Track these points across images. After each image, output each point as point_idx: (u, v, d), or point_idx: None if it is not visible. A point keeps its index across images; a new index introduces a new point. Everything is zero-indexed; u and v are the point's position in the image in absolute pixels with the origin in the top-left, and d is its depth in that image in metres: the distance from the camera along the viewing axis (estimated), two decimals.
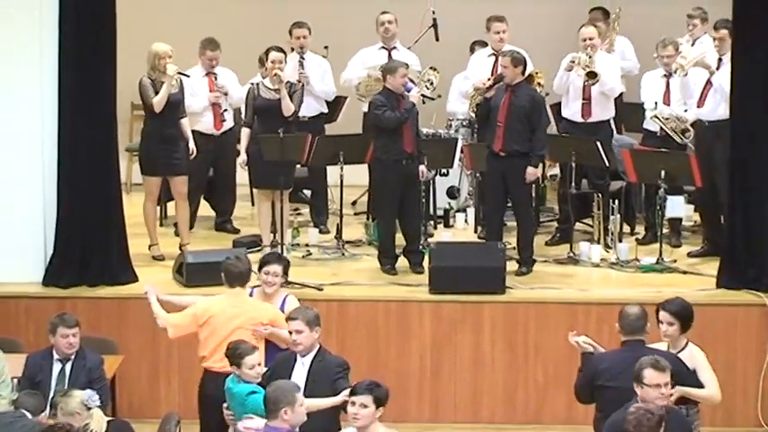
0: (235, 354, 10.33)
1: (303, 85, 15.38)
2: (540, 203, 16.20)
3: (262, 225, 15.18)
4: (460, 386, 13.58)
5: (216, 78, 15.71)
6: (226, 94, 15.73)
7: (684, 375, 10.37)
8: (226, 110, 15.78)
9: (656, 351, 10.46)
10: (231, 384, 10.30)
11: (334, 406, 10.02)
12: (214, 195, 16.29)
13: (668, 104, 15.26)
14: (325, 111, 16.17)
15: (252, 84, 15.18)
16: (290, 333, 10.35)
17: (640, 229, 15.89)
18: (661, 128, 15.19)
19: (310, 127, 15.39)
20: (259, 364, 10.39)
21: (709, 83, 14.75)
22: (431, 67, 15.57)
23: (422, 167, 14.72)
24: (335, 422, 10.20)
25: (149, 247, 14.94)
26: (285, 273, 11.08)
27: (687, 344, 10.68)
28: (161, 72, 14.53)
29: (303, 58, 15.89)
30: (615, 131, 15.83)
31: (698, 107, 14.98)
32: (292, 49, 15.78)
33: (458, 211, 16.08)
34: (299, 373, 10.23)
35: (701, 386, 10.48)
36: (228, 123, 15.89)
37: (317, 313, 10.45)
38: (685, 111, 15.17)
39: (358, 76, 15.93)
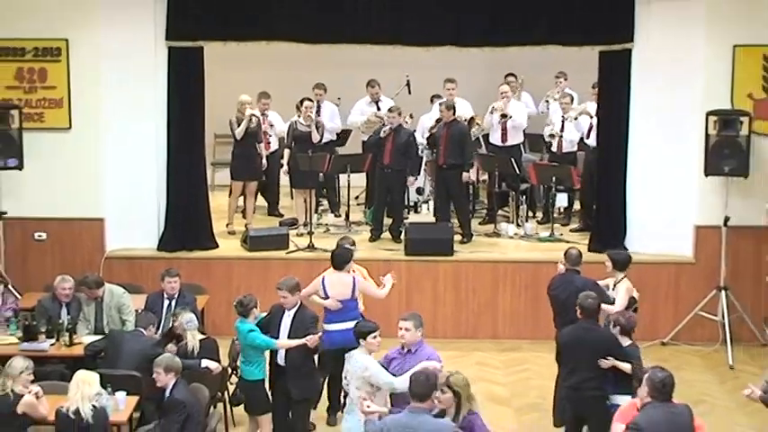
0: (247, 307, 9.99)
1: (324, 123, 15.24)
2: (476, 198, 16.05)
3: (298, 211, 14.99)
4: (424, 314, 12.86)
5: (267, 116, 15.45)
6: (272, 125, 15.50)
7: (596, 293, 10.29)
8: (271, 135, 15.52)
9: (584, 278, 10.73)
10: (238, 324, 10.00)
11: (306, 345, 9.81)
12: (266, 193, 16.05)
13: (562, 131, 15.30)
14: (335, 139, 15.93)
15: (292, 121, 15.04)
16: (282, 298, 10.05)
17: (539, 214, 15.75)
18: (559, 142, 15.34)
19: (326, 148, 15.14)
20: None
21: (592, 123, 14.64)
22: (410, 114, 15.45)
23: (410, 178, 14.69)
24: (310, 356, 10.01)
25: (227, 225, 14.78)
26: None
27: (623, 279, 10.77)
28: (242, 113, 14.45)
29: (320, 106, 15.60)
30: (523, 152, 15.77)
31: (586, 138, 14.93)
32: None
33: (423, 202, 15.82)
34: (286, 322, 9.96)
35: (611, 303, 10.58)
36: (274, 146, 15.62)
37: (297, 282, 10.11)
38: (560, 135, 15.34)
39: (360, 120, 15.75)
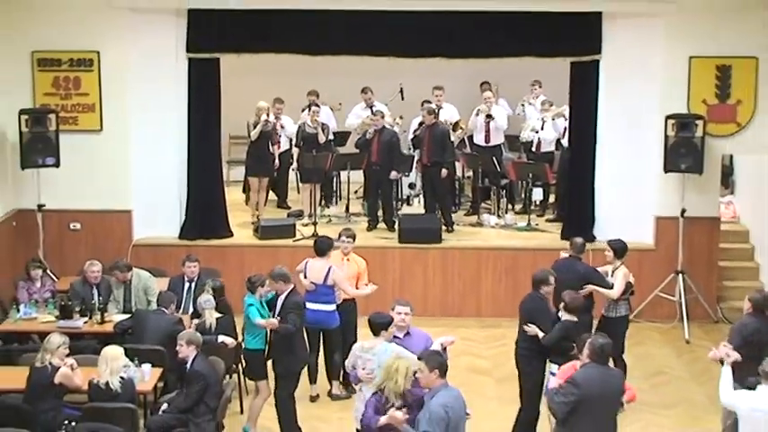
0: (254, 284, 9.98)
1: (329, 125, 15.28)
2: (461, 192, 16.03)
3: (304, 203, 14.97)
4: (416, 295, 13.31)
5: (280, 119, 15.33)
6: (282, 127, 15.38)
7: (596, 279, 10.63)
8: (281, 136, 15.35)
9: (585, 265, 10.90)
10: (246, 297, 9.98)
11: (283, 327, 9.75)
12: (276, 188, 15.96)
13: (543, 129, 15.32)
14: (333, 138, 15.72)
15: (300, 123, 15.08)
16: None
17: (518, 207, 15.66)
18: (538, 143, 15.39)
19: (328, 147, 15.14)
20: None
21: (566, 126, 14.59)
22: (400, 116, 15.50)
23: (393, 173, 14.56)
24: (288, 337, 9.80)
25: (252, 215, 14.69)
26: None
27: (620, 265, 10.79)
28: (258, 117, 14.43)
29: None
30: (504, 151, 15.72)
31: (562, 138, 14.93)
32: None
33: (415, 196, 15.80)
34: (279, 304, 9.90)
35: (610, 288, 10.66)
36: (284, 146, 15.52)
37: (284, 272, 9.92)
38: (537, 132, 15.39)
39: (356, 123, 15.63)
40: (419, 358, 7.72)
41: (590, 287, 10.52)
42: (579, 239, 11.10)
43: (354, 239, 11.34)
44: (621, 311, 10.75)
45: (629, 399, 8.43)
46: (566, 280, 10.46)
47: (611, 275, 10.75)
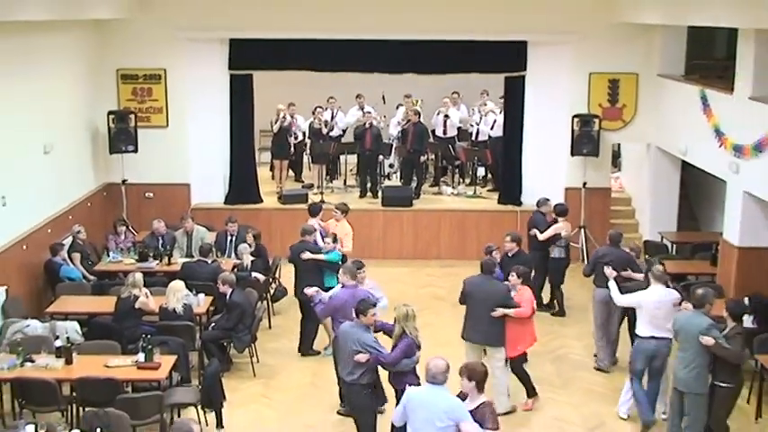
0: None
1: (335, 122, 15.09)
2: (426, 170, 15.79)
3: (314, 178, 14.84)
4: (393, 245, 13.49)
5: (294, 117, 15.01)
6: (296, 123, 15.01)
7: (537, 225, 10.81)
8: (295, 130, 14.93)
9: (539, 215, 10.98)
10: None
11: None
12: (294, 167, 15.66)
13: (478, 123, 15.06)
14: (342, 134, 15.46)
15: (310, 121, 14.87)
16: None
17: (467, 180, 15.41)
18: (476, 133, 15.11)
19: (338, 139, 15.05)
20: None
21: (496, 120, 14.45)
22: (383, 115, 15.34)
23: (380, 157, 14.44)
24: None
25: (277, 187, 14.48)
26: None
27: (560, 221, 10.91)
28: (278, 116, 14.29)
29: (333, 111, 15.30)
30: (456, 141, 15.52)
31: (490, 130, 14.71)
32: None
33: (393, 173, 15.60)
34: None
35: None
36: (300, 137, 15.18)
37: (302, 228, 9.92)
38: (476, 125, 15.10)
39: (352, 120, 15.32)
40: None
41: (533, 231, 10.84)
42: (542, 198, 11.24)
43: (344, 213, 10.75)
44: (555, 254, 10.98)
45: (516, 314, 8.21)
46: (529, 224, 11.02)
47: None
